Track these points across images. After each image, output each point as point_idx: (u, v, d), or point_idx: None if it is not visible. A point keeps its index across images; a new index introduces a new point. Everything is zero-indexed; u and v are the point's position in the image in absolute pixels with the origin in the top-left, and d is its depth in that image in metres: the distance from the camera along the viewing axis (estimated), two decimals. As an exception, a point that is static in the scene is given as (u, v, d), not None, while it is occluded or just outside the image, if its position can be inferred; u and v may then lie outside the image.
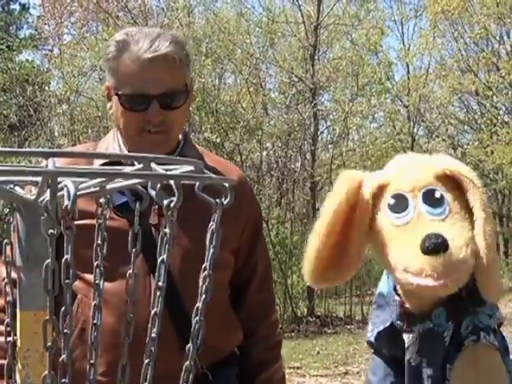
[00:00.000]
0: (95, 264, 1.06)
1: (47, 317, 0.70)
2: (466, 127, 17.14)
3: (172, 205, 0.82)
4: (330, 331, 8.90)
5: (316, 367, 6.54)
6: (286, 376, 5.65)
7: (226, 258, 1.56)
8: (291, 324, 9.18)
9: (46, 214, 0.72)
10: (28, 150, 0.87)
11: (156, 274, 0.87)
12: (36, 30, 16.84)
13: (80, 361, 1.32)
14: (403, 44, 16.39)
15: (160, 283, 0.86)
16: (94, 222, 0.98)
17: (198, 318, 0.92)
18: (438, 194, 1.31)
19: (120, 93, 1.50)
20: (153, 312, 0.85)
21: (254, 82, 11.52)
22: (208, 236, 0.92)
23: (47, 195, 0.72)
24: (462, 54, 16.19)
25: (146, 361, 0.79)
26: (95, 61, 9.54)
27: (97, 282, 1.06)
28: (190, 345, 0.88)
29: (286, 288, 9.58)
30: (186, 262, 1.47)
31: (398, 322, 1.41)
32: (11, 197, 0.86)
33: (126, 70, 1.50)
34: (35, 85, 10.58)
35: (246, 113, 10.42)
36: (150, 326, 0.88)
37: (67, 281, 0.83)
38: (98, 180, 0.87)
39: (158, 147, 1.53)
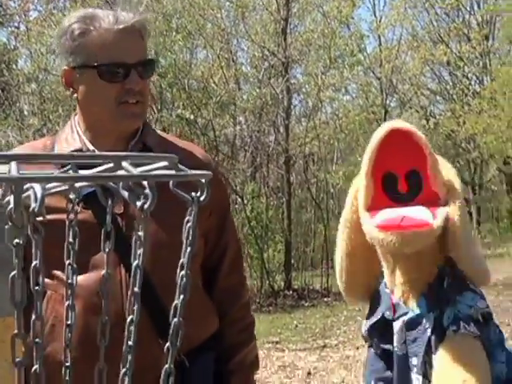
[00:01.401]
0: (67, 262, 1.03)
1: (15, 331, 0.68)
2: (438, 98, 17.24)
3: (146, 206, 0.80)
4: (307, 304, 8.96)
5: (294, 341, 6.59)
6: (265, 351, 5.64)
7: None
8: (268, 298, 9.23)
9: (9, 223, 0.69)
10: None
11: (131, 279, 0.84)
12: (1, 6, 16.46)
13: (52, 357, 1.30)
14: (374, 16, 16.40)
15: (136, 289, 0.84)
16: (60, 216, 0.96)
17: (176, 319, 0.90)
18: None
19: (96, 64, 1.48)
20: (129, 319, 0.83)
21: (226, 56, 11.42)
22: (184, 234, 0.91)
23: (11, 201, 0.69)
24: (433, 25, 16.24)
25: (123, 370, 0.78)
26: (63, 38, 9.36)
27: (69, 281, 1.04)
28: (168, 344, 0.87)
29: (263, 262, 9.62)
30: (158, 250, 1.45)
31: (387, 313, 1.41)
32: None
33: (99, 41, 1.47)
34: (2, 63, 10.38)
35: (218, 88, 10.34)
36: (126, 334, 0.86)
37: (37, 288, 0.80)
38: (74, 175, 0.84)
39: (137, 118, 1.53)
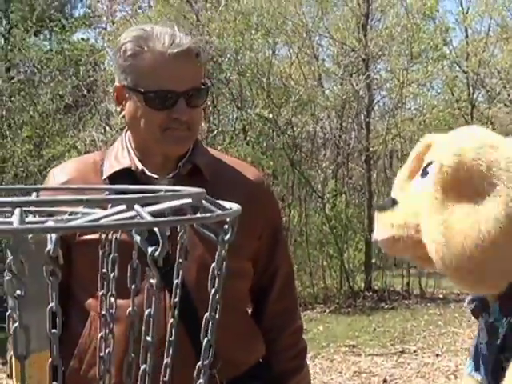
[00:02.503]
0: (100, 293, 1.02)
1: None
2: (529, 91, 16.50)
3: (157, 253, 0.76)
4: (387, 306, 8.78)
5: (372, 345, 6.47)
6: (341, 355, 5.60)
7: (243, 266, 1.50)
8: (348, 299, 9.10)
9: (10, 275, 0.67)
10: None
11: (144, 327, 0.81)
12: (89, 8, 16.96)
13: (96, 382, 1.29)
14: (461, 7, 15.83)
15: (148, 338, 0.81)
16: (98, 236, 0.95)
17: (205, 340, 0.88)
18: (429, 168, 1.29)
19: (143, 90, 1.44)
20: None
21: (308, 52, 11.32)
22: (210, 272, 0.88)
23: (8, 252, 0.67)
24: (524, 15, 15.55)
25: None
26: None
27: (103, 312, 1.02)
28: (200, 363, 0.85)
29: (342, 263, 9.49)
30: (202, 274, 1.42)
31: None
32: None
33: (149, 66, 1.44)
34: (88, 64, 10.67)
35: (298, 86, 10.26)
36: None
37: (54, 330, 0.79)
38: (85, 219, 0.82)
39: (184, 143, 1.50)
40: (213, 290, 0.88)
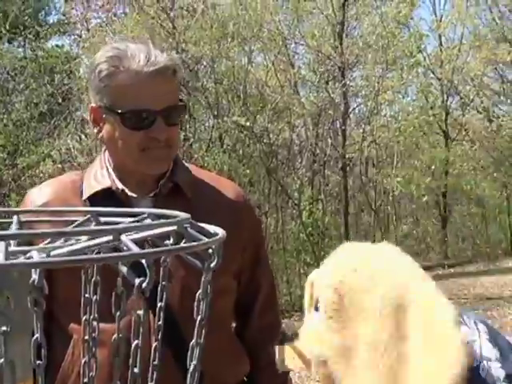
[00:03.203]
0: (83, 318, 1.01)
1: None
2: (501, 98, 16.74)
3: (144, 285, 0.75)
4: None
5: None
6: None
7: (227, 283, 1.50)
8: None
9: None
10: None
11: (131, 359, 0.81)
12: (64, 15, 16.85)
13: (80, 407, 1.28)
14: (435, 15, 16.04)
15: (135, 370, 0.81)
16: None
17: (192, 364, 0.87)
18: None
19: (120, 111, 1.43)
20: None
21: (284, 59, 11.37)
22: (196, 298, 0.87)
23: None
24: (496, 23, 15.76)
25: None
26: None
27: (86, 337, 1.01)
28: None
29: (319, 270, 9.51)
30: (186, 295, 1.41)
31: None
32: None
33: (125, 85, 1.42)
34: (63, 72, 10.61)
35: (274, 94, 10.30)
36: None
37: (39, 362, 0.78)
38: (70, 249, 0.81)
39: (162, 162, 1.48)
40: (199, 317, 0.88)
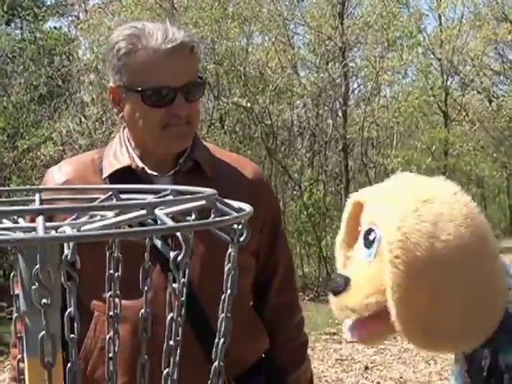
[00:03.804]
0: (107, 294, 1.01)
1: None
2: (501, 78, 16.69)
3: (179, 258, 0.76)
4: (365, 293, 8.83)
5: (352, 332, 6.51)
6: (323, 343, 5.62)
7: (246, 261, 1.51)
8: (326, 286, 9.16)
9: (36, 284, 0.67)
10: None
11: (166, 333, 0.82)
12: (62, -4, 16.72)
13: (102, 382, 1.30)
14: (435, -6, 15.91)
15: (171, 342, 0.82)
16: None
17: (221, 342, 0.88)
18: (371, 236, 1.20)
19: (140, 89, 1.43)
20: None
21: (283, 40, 11.31)
22: (225, 275, 0.88)
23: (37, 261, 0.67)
24: (497, 2, 15.66)
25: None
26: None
27: (111, 313, 1.02)
28: (215, 364, 0.85)
29: (321, 250, 9.55)
30: (207, 274, 1.42)
31: None
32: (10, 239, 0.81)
33: (144, 63, 1.42)
34: (63, 54, 10.55)
35: (274, 74, 10.26)
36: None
37: (72, 335, 0.79)
38: (100, 223, 0.81)
39: (184, 140, 1.49)
40: (228, 291, 0.88)
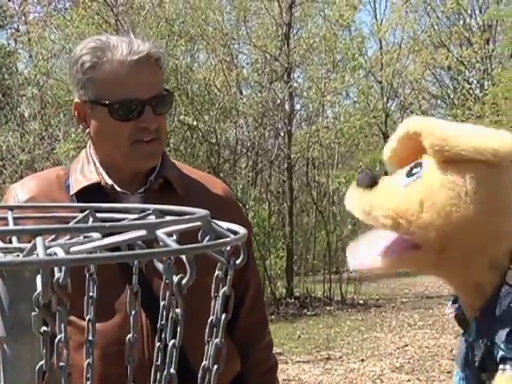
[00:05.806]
0: (87, 318, 0.97)
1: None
2: (439, 102, 17.17)
3: (184, 282, 0.73)
4: (309, 313, 8.88)
5: (298, 352, 6.51)
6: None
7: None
8: (270, 306, 9.15)
9: (37, 310, 0.63)
10: None
11: (167, 359, 0.78)
12: (0, 8, 16.35)
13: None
14: (376, 19, 16.30)
15: (172, 370, 0.78)
16: None
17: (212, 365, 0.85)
18: (416, 170, 1.23)
19: (108, 102, 1.39)
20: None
21: (228, 59, 11.35)
22: (215, 299, 0.85)
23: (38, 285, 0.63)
24: (434, 29, 16.15)
25: None
26: (65, 43, 9.26)
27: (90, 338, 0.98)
28: None
29: (265, 269, 9.54)
30: (189, 312, 1.37)
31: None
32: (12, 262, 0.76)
33: (110, 76, 1.38)
34: (3, 67, 10.31)
35: (220, 93, 10.27)
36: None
37: (61, 364, 0.75)
38: (93, 245, 0.77)
39: (153, 157, 1.45)
40: (223, 316, 0.85)
